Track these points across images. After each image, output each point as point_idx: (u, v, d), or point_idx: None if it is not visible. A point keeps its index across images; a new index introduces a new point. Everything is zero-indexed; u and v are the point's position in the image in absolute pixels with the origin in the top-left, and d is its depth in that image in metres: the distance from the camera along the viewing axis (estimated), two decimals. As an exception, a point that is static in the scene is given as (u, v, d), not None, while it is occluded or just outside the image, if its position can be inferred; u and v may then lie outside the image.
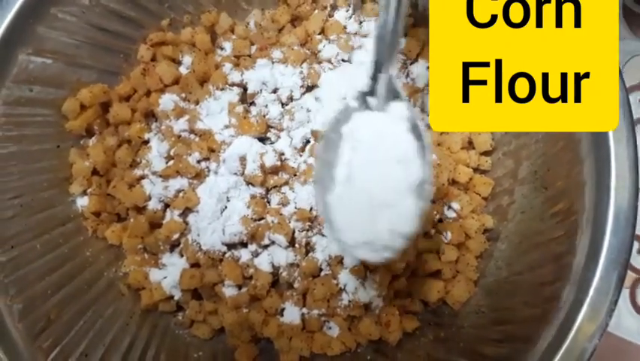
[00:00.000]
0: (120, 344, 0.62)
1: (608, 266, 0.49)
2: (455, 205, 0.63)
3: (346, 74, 0.67)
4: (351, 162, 0.49)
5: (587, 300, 0.48)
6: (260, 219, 0.64)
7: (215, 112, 0.66)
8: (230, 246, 0.64)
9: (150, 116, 0.69)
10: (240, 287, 0.64)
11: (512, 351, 0.52)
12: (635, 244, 0.68)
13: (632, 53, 0.76)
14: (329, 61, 0.68)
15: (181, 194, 0.64)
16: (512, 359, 0.51)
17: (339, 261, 0.63)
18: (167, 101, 0.67)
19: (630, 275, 0.70)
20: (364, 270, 0.62)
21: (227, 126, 0.65)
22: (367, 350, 0.65)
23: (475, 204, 0.63)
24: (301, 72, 0.67)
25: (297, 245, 0.63)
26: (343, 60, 0.68)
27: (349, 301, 0.62)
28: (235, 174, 0.64)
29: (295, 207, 0.63)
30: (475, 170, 0.66)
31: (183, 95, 0.68)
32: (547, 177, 0.58)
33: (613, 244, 0.49)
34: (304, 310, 0.64)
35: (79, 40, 0.64)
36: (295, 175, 0.65)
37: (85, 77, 0.66)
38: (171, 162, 0.65)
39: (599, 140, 0.51)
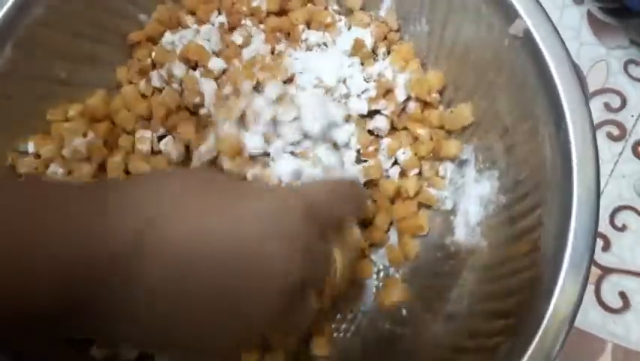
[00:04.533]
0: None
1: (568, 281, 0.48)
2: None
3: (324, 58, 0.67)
4: None
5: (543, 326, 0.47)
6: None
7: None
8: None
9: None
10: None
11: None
12: (600, 242, 0.72)
13: (595, 59, 0.79)
14: (317, 45, 0.67)
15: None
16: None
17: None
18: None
19: (595, 271, 0.72)
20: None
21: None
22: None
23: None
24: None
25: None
26: (325, 44, 0.68)
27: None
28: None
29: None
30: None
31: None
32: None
33: (573, 260, 0.49)
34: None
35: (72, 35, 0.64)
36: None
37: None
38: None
39: (564, 168, 0.52)
